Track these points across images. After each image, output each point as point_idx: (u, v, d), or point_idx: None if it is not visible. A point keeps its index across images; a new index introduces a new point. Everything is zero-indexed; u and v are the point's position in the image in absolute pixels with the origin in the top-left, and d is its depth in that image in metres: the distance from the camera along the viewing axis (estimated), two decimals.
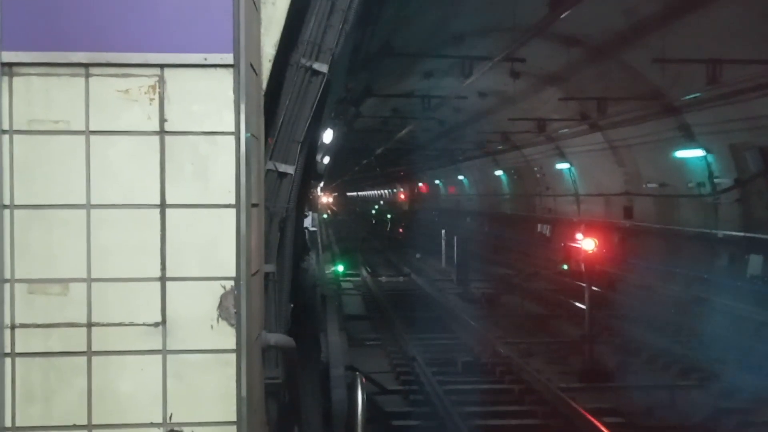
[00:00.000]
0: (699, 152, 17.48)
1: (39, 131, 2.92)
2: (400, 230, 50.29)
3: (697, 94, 14.93)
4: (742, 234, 16.63)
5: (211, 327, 2.98)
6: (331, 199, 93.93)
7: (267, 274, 3.89)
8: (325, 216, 55.13)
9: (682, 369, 12.78)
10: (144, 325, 2.95)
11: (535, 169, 29.94)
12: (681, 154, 18.12)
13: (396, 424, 10.35)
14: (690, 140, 17.62)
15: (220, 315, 2.97)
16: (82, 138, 2.93)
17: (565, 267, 23.64)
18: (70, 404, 2.93)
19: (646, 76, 17.03)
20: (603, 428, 9.36)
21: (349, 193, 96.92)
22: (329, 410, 7.30)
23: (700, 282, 17.62)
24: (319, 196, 42.52)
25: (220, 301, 2.98)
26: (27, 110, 2.92)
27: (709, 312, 16.15)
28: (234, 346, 2.98)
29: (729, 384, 11.52)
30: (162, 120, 2.95)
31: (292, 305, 4.69)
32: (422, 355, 13.68)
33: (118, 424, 2.95)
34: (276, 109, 3.87)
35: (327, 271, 22.09)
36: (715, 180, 17.36)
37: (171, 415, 2.95)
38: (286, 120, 3.88)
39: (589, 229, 18.26)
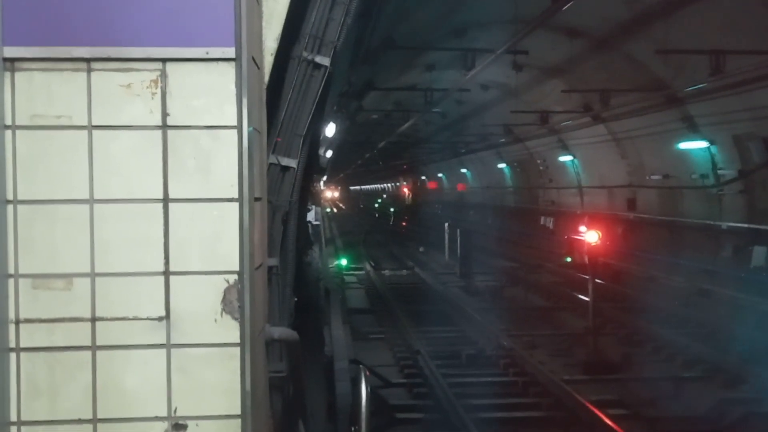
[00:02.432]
0: (702, 143, 17.46)
1: (41, 126, 2.92)
2: (404, 224, 50.34)
3: (701, 85, 14.89)
4: (746, 225, 16.60)
5: (215, 321, 2.98)
6: (336, 194, 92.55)
7: (270, 268, 3.89)
8: (328, 210, 55.13)
9: (686, 360, 12.78)
10: (148, 319, 2.95)
11: (539, 161, 29.92)
12: (684, 145, 18.09)
13: (400, 417, 10.37)
14: (693, 131, 17.59)
15: (223, 309, 2.98)
16: (84, 133, 2.93)
17: (569, 259, 23.64)
18: (74, 399, 2.93)
19: (649, 67, 17.00)
20: (607, 420, 9.37)
21: (352, 187, 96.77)
22: (333, 403, 7.31)
23: (704, 273, 17.61)
24: (322, 191, 42.44)
25: (224, 295, 2.98)
26: (29, 105, 2.92)
27: (714, 303, 16.14)
28: (238, 340, 2.98)
29: (733, 375, 11.53)
30: (164, 114, 2.95)
31: (295, 299, 4.70)
32: (426, 348, 13.69)
33: (122, 418, 2.95)
34: (278, 102, 3.86)
35: (330, 265, 22.10)
36: (719, 171, 17.33)
37: (176, 408, 2.96)
38: (288, 113, 3.88)
39: (593, 221, 18.25)
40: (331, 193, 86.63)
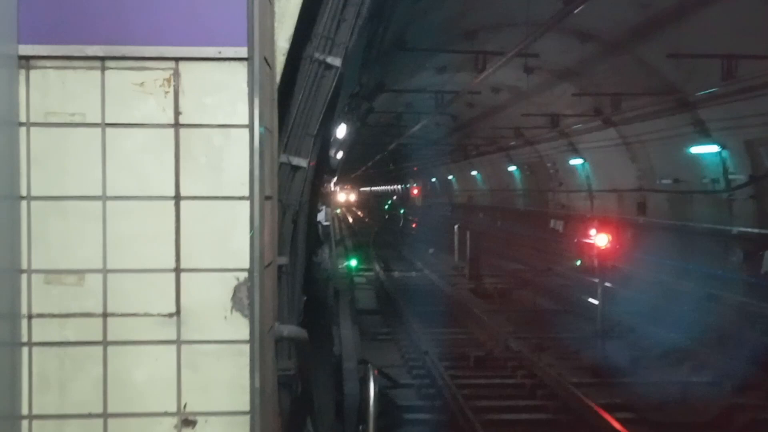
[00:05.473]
0: (713, 148, 17.40)
1: (55, 123, 2.95)
2: (413, 225, 50.33)
3: (712, 90, 14.85)
4: (756, 230, 16.54)
5: (225, 318, 3.00)
6: (353, 197, 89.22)
7: (280, 267, 3.91)
8: (338, 211, 55.08)
9: (695, 365, 12.75)
10: (158, 315, 2.98)
11: (549, 164, 29.87)
12: (695, 149, 18.04)
13: (408, 418, 10.39)
14: (704, 136, 17.54)
15: (233, 306, 3.00)
16: (98, 130, 2.96)
17: (578, 263, 23.62)
18: (85, 393, 2.96)
19: (660, 71, 16.96)
20: (615, 423, 9.36)
21: (362, 188, 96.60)
22: (342, 403, 7.33)
23: (713, 279, 17.55)
24: (334, 192, 42.28)
25: (234, 292, 3.00)
26: (43, 103, 2.95)
27: (723, 309, 16.09)
28: (247, 337, 3.00)
29: (741, 380, 11.49)
30: (177, 112, 2.98)
31: (305, 298, 4.72)
32: (434, 349, 13.71)
33: (132, 413, 2.98)
34: (290, 102, 3.88)
35: (340, 266, 22.12)
36: (730, 176, 17.27)
37: (185, 404, 2.98)
38: (299, 113, 3.90)
39: (603, 225, 18.23)
40: (347, 197, 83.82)
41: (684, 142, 18.31)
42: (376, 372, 5.16)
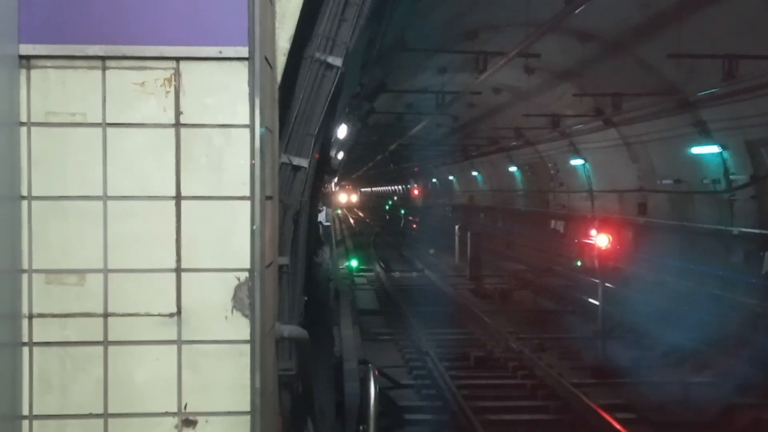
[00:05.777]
0: (714, 148, 17.38)
1: (56, 123, 2.95)
2: (414, 226, 50.32)
3: (713, 90, 14.84)
4: (757, 231, 16.52)
5: (226, 318, 3.00)
6: (354, 197, 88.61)
7: (281, 267, 3.91)
8: (339, 211, 55.05)
9: (695, 365, 12.74)
10: (159, 315, 2.98)
11: (549, 165, 29.85)
12: (696, 150, 18.02)
13: (409, 418, 10.38)
14: (705, 136, 17.52)
15: (234, 306, 3.00)
16: (98, 130, 2.96)
17: (579, 263, 23.62)
18: (86, 393, 2.96)
19: (661, 71, 16.95)
20: (615, 424, 9.35)
21: (363, 189, 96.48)
22: (342, 403, 7.33)
23: (714, 279, 17.53)
24: (335, 192, 42.18)
25: (235, 292, 3.00)
26: (44, 102, 2.95)
27: (724, 309, 16.07)
28: (248, 337, 3.00)
29: (742, 380, 11.48)
30: (177, 112, 2.98)
31: (305, 298, 4.72)
32: (435, 349, 13.70)
33: (133, 413, 2.98)
34: (290, 102, 3.88)
35: (341, 266, 22.12)
36: (731, 176, 17.25)
37: (186, 404, 2.98)
38: (300, 113, 3.90)
39: (603, 225, 18.21)
40: (349, 197, 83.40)
41: (685, 142, 18.29)
42: (376, 372, 5.16)
